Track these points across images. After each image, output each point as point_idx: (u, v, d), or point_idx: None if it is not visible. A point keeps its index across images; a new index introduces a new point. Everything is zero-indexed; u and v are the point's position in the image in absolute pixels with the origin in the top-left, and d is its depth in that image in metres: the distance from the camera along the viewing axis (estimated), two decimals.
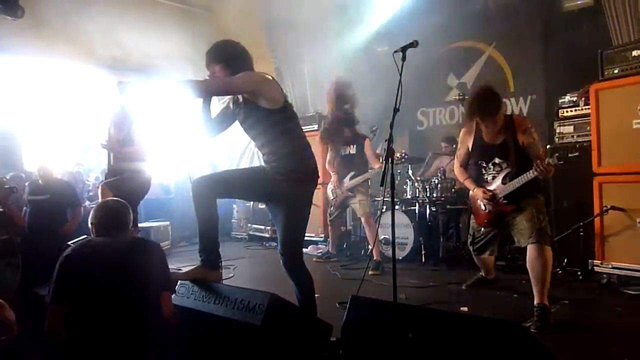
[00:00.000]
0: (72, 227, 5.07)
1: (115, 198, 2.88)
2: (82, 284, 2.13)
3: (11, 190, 4.29)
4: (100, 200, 4.33)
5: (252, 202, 8.02)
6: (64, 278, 2.16)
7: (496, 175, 3.55)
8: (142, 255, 2.32)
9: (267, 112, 2.70)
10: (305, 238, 6.41)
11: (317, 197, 6.79)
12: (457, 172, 3.91)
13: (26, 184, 5.32)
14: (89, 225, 2.52)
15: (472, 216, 3.99)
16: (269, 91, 2.70)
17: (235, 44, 2.87)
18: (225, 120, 2.95)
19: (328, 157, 5.82)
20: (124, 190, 4.49)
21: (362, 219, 5.48)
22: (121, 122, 4.68)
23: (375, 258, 5.05)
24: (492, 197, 3.53)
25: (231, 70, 2.73)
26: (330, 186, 5.79)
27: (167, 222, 7.33)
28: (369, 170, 5.36)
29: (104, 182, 4.48)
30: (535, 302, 3.21)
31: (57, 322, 2.12)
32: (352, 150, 5.52)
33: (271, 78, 2.78)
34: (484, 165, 3.64)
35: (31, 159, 6.24)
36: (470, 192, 3.77)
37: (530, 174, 3.32)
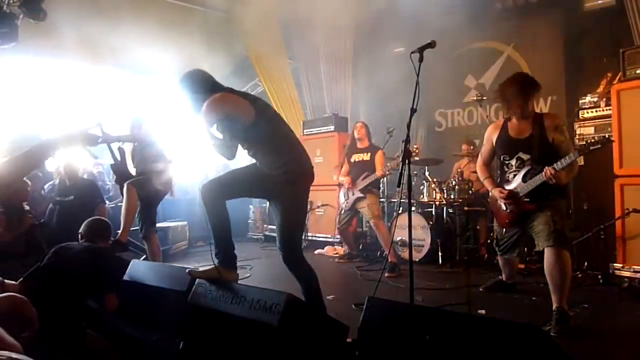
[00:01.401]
0: None
1: (99, 217, 3.64)
2: (47, 271, 2.80)
3: (28, 212, 4.33)
4: (125, 198, 4.41)
5: (268, 203, 8.07)
6: (43, 267, 2.84)
7: (517, 172, 3.47)
8: (90, 259, 2.92)
9: (244, 129, 2.80)
10: (322, 239, 6.50)
11: (333, 198, 6.85)
12: (479, 170, 3.87)
13: (54, 182, 5.43)
14: (79, 234, 3.20)
15: (494, 218, 3.94)
16: (236, 111, 2.76)
17: (196, 73, 2.92)
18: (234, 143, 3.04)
19: (342, 170, 5.89)
20: (147, 189, 4.53)
21: (371, 222, 5.49)
22: (136, 126, 4.73)
23: (390, 260, 5.03)
24: (509, 196, 3.48)
25: (201, 97, 2.80)
26: (342, 190, 5.84)
27: (185, 222, 7.38)
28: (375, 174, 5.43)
29: (129, 181, 4.52)
30: (554, 307, 3.16)
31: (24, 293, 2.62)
32: (366, 157, 5.62)
33: (231, 95, 2.83)
34: (507, 160, 3.56)
35: (52, 160, 6.35)
36: (490, 192, 3.74)
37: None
